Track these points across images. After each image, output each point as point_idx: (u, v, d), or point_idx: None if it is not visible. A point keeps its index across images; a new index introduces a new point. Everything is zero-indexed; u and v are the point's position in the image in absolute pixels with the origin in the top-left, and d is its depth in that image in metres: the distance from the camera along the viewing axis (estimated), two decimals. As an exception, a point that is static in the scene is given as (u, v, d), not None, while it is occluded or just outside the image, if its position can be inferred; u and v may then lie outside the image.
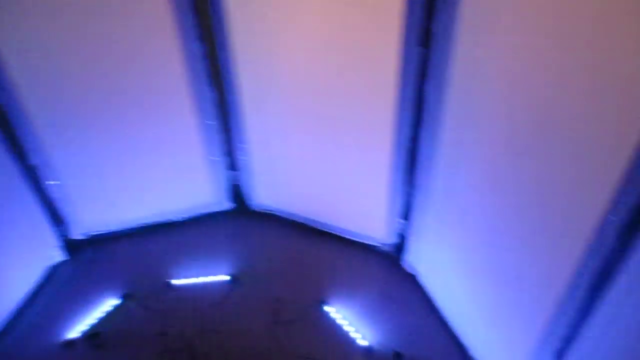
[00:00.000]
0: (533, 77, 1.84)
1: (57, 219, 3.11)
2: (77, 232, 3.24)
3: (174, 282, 3.06)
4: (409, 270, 3.07)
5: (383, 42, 2.33)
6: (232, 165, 3.33)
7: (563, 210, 1.84)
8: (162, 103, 2.91)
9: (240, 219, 3.52)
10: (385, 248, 3.17)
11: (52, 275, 3.12)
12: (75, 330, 2.81)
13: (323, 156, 3.01)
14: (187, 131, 3.05)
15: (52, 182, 2.97)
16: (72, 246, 3.26)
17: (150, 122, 2.97)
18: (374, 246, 3.21)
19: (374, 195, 2.96)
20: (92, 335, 2.78)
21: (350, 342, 2.76)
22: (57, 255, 3.16)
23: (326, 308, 2.91)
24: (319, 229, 3.38)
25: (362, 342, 2.74)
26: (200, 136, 3.09)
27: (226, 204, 3.48)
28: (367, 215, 3.12)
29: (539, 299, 2.09)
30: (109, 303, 2.94)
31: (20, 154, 2.76)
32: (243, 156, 3.23)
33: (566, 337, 1.99)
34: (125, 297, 2.97)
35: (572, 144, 1.70)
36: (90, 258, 3.25)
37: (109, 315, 2.90)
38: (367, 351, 2.70)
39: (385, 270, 3.15)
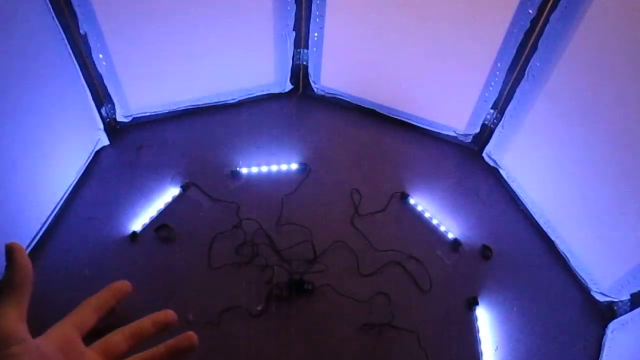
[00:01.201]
0: None
1: (102, 97, 2.74)
2: (124, 114, 2.88)
3: (239, 168, 2.80)
4: (492, 163, 2.93)
5: None
6: (301, 42, 2.98)
7: None
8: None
9: (305, 103, 3.23)
10: (465, 139, 2.99)
11: (99, 161, 2.79)
12: (137, 223, 2.54)
13: (408, 39, 2.71)
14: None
15: (100, 56, 2.56)
16: (118, 129, 2.92)
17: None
18: (453, 136, 3.03)
19: (464, 83, 2.73)
20: (159, 227, 2.53)
21: (437, 235, 2.65)
22: (102, 138, 2.82)
23: (409, 200, 2.76)
24: (392, 117, 3.14)
25: (450, 234, 2.64)
26: (272, 5, 2.70)
27: (289, 86, 3.16)
28: (450, 104, 2.90)
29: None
30: (170, 192, 2.68)
31: (69, 20, 2.33)
32: (315, 33, 2.87)
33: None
34: (185, 187, 2.71)
35: None
36: (140, 143, 2.91)
37: (172, 205, 2.64)
38: (455, 244, 2.61)
39: (466, 162, 3.00)
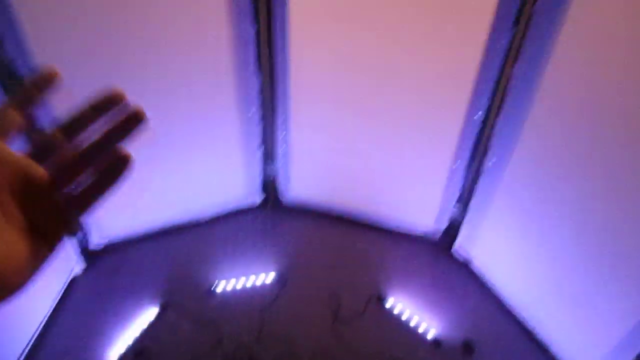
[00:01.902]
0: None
1: (76, 225, 2.76)
2: (98, 239, 2.90)
3: (216, 285, 2.81)
4: (462, 257, 3.00)
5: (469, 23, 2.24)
6: (269, 156, 3.10)
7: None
8: (199, 89, 2.63)
9: (277, 214, 3.31)
10: (435, 235, 3.08)
11: (75, 288, 2.77)
12: (117, 347, 2.49)
13: (370, 147, 2.87)
14: (224, 120, 2.80)
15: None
16: (93, 255, 2.92)
17: (180, 109, 2.67)
18: (422, 234, 3.12)
19: (427, 181, 2.87)
20: (138, 352, 2.48)
21: (417, 334, 2.66)
22: (78, 265, 2.81)
23: (386, 302, 2.79)
24: (361, 221, 3.23)
25: (429, 333, 2.65)
26: (238, 125, 2.85)
27: (259, 198, 3.25)
28: (416, 203, 3.02)
29: (633, 292, 2.09)
30: (147, 315, 2.65)
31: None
32: (282, 146, 3.01)
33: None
34: (164, 307, 2.69)
35: None
36: (115, 266, 2.91)
37: (151, 328, 2.61)
38: (435, 343, 2.61)
39: (437, 259, 3.07)
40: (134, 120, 0.52)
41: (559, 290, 2.46)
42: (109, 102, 0.52)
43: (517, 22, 2.15)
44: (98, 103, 0.52)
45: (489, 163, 2.58)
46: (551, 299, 2.53)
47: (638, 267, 2.05)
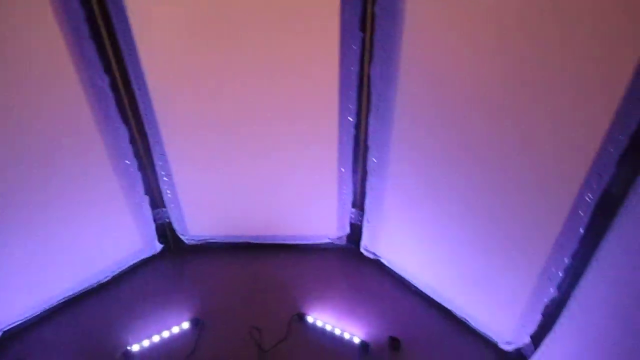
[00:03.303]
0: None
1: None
2: (-9, 331, 2.69)
3: (131, 347, 2.67)
4: (371, 257, 3.05)
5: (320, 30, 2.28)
6: (157, 202, 3.01)
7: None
8: (66, 149, 2.49)
9: (180, 258, 3.21)
10: (340, 241, 3.11)
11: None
12: None
13: (255, 169, 2.85)
14: (100, 178, 2.68)
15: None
16: (-12, 349, 2.70)
17: (50, 177, 2.51)
18: (328, 244, 3.14)
19: (319, 191, 2.89)
20: None
21: (343, 343, 2.67)
22: (-27, 366, 2.60)
23: (307, 319, 2.78)
24: (267, 244, 3.20)
25: (355, 339, 2.66)
26: (116, 179, 2.74)
27: (158, 246, 3.14)
28: (315, 214, 3.03)
29: (524, 254, 2.22)
30: (62, 398, 2.49)
31: None
32: (168, 190, 2.92)
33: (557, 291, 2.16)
34: (78, 385, 2.54)
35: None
36: (20, 354, 2.70)
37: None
38: (363, 346, 2.64)
39: (348, 264, 3.10)
40: None
41: (463, 270, 2.56)
42: None
43: (362, 25, 2.21)
44: None
45: (372, 161, 2.64)
46: (458, 277, 2.64)
47: (523, 235, 2.17)
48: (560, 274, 2.11)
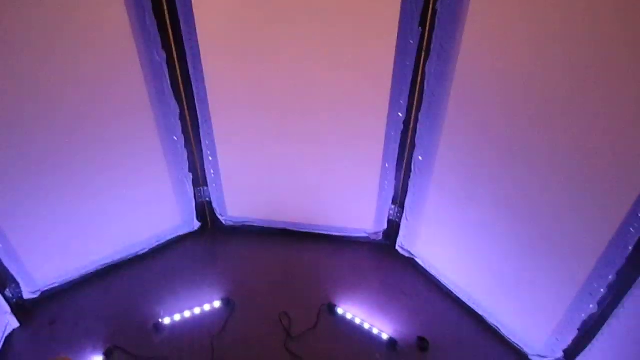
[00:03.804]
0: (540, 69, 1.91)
1: (4, 279, 2.63)
2: (31, 291, 2.77)
3: (162, 320, 2.72)
4: (406, 255, 3.03)
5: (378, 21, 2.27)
6: (200, 181, 3.04)
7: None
8: (119, 120, 2.56)
9: (217, 237, 3.25)
10: (377, 237, 3.10)
11: (11, 347, 2.61)
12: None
13: (299, 157, 2.87)
14: (148, 151, 2.73)
15: (-5, 238, 2.50)
16: (27, 308, 2.78)
17: (102, 147, 2.59)
18: (364, 238, 3.13)
19: (361, 185, 2.88)
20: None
21: (372, 338, 2.66)
22: (11, 321, 2.67)
23: (337, 310, 2.78)
24: (302, 232, 3.21)
25: (384, 335, 2.65)
26: (163, 154, 2.78)
27: (196, 224, 3.18)
28: (353, 208, 3.03)
29: (567, 267, 2.17)
30: (93, 362, 2.55)
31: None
32: (211, 169, 2.96)
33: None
34: (108, 353, 2.58)
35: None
36: (52, 318, 2.78)
37: (97, 377, 2.51)
38: (391, 343, 2.62)
39: (382, 260, 3.08)
40: None
41: (501, 276, 2.52)
42: None
43: (422, 21, 2.19)
44: None
45: (418, 159, 2.62)
46: (495, 285, 2.59)
47: (568, 246, 2.12)
48: (603, 290, 2.06)
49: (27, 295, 2.76)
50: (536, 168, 2.09)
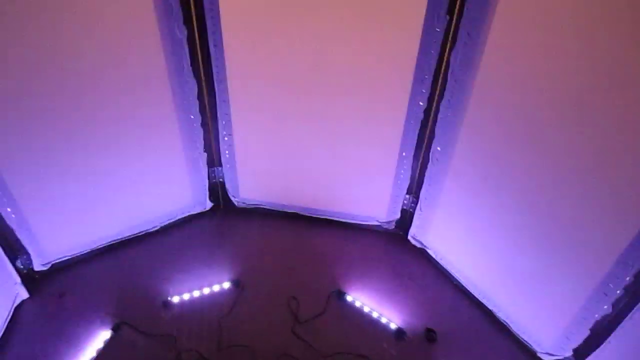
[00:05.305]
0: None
1: (16, 249, 2.63)
2: (41, 262, 2.77)
3: (171, 298, 2.72)
4: (417, 245, 3.01)
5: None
6: (214, 160, 3.03)
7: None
8: (135, 97, 2.53)
9: (228, 218, 3.24)
10: (389, 226, 3.08)
11: (20, 317, 2.63)
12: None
13: (315, 142, 2.84)
14: (164, 128, 2.71)
15: (8, 209, 2.49)
16: (37, 279, 2.79)
17: (117, 120, 2.56)
18: (376, 226, 3.11)
19: (376, 173, 2.86)
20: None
21: (379, 327, 2.65)
22: (21, 292, 2.68)
23: (346, 297, 2.76)
24: (314, 217, 3.19)
25: (392, 325, 2.64)
26: (179, 132, 2.76)
27: (208, 204, 3.17)
28: (367, 195, 3.00)
29: (583, 265, 2.14)
30: (100, 338, 2.55)
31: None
32: (226, 149, 2.94)
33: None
34: (117, 325, 2.59)
35: None
36: (61, 290, 2.78)
37: (105, 349, 2.51)
38: (399, 333, 2.61)
39: (393, 249, 3.06)
40: None
41: (513, 271, 2.49)
42: None
43: (450, 8, 2.14)
44: None
45: (436, 150, 2.58)
46: (506, 279, 2.57)
47: (585, 244, 2.08)
48: (619, 292, 2.03)
49: (37, 266, 2.77)
50: (558, 164, 2.05)
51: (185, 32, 2.42)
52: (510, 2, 1.98)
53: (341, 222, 3.16)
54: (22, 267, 2.69)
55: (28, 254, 2.70)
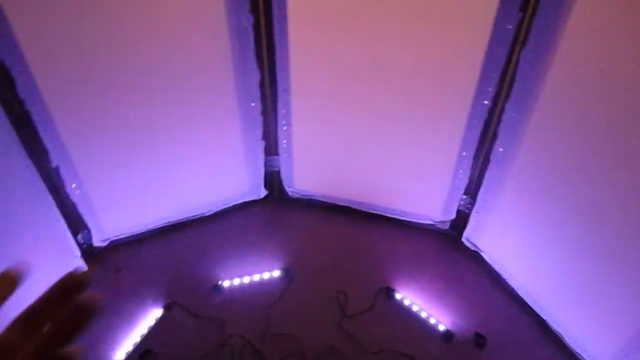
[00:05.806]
0: None
1: (78, 225, 2.73)
2: (101, 239, 2.87)
3: (221, 282, 2.76)
4: (471, 248, 2.94)
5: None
6: (271, 149, 3.05)
7: None
8: (198, 82, 2.57)
9: (281, 207, 3.27)
10: (443, 226, 3.02)
11: (78, 289, 2.73)
12: (120, 351, 2.46)
13: (373, 135, 2.81)
14: (225, 115, 2.75)
15: (73, 185, 2.58)
16: (95, 254, 2.88)
17: (180, 104, 2.61)
18: (430, 225, 3.06)
19: (434, 171, 2.80)
20: (143, 354, 2.45)
21: (427, 328, 2.61)
22: (80, 265, 2.78)
23: (395, 295, 2.73)
24: (367, 212, 3.17)
25: (440, 326, 2.60)
26: (239, 119, 2.79)
27: (263, 192, 3.20)
28: (423, 193, 2.95)
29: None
30: (151, 316, 2.62)
31: (40, 155, 2.37)
32: (284, 139, 2.95)
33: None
34: (168, 306, 2.65)
35: None
36: (117, 266, 2.87)
37: (156, 328, 2.57)
38: (447, 335, 2.56)
39: (446, 250, 3.01)
40: (83, 316, 0.49)
41: (572, 281, 2.40)
42: (66, 291, 0.49)
43: (524, 5, 2.07)
44: (54, 295, 0.49)
45: (498, 151, 2.51)
46: (564, 289, 2.47)
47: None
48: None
49: (96, 242, 2.86)
50: (629, 175, 1.95)
51: (252, 20, 2.43)
52: (589, 2, 1.89)
53: (394, 218, 3.12)
54: (82, 241, 2.79)
55: (88, 230, 2.79)
